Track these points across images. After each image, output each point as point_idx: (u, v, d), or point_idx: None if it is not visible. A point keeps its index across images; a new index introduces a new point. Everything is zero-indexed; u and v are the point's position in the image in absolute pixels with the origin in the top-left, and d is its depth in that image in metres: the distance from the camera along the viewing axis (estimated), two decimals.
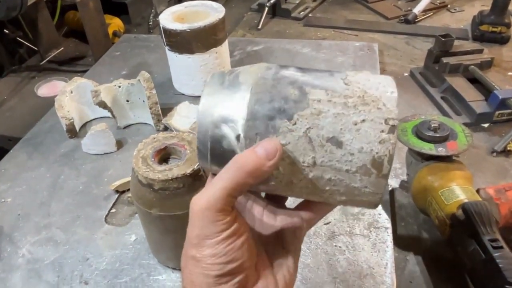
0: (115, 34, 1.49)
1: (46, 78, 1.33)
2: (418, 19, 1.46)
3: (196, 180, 0.59)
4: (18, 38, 1.47)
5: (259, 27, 1.49)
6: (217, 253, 0.31)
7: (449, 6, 1.54)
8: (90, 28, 1.33)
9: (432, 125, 0.76)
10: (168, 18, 1.02)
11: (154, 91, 0.94)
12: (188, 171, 0.58)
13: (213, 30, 1.00)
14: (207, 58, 1.03)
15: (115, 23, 1.50)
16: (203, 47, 1.01)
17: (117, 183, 0.84)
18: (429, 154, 0.74)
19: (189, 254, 0.32)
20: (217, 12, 1.03)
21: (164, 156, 0.63)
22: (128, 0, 1.60)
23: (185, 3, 1.10)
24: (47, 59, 1.41)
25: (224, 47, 1.07)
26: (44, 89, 1.29)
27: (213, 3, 1.07)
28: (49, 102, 1.23)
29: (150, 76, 0.94)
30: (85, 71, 1.34)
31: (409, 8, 1.51)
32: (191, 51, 1.01)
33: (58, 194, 0.85)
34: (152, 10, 1.54)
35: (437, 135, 0.75)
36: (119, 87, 0.96)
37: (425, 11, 1.48)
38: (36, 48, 1.45)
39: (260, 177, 0.32)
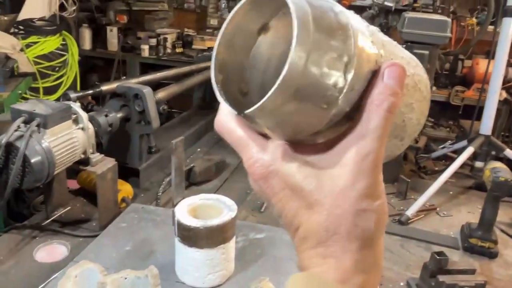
0: (123, 200, 1.54)
1: (47, 240, 1.33)
2: (411, 220, 1.55)
3: None
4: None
5: (262, 210, 1.56)
6: (385, 200, 0.33)
7: (438, 209, 1.66)
8: (103, 196, 1.39)
9: None
10: (183, 211, 1.08)
11: None
12: None
13: (224, 228, 1.06)
14: (214, 253, 1.06)
15: (125, 190, 1.57)
16: (212, 243, 1.05)
17: None
18: None
19: (359, 208, 0.31)
20: (230, 210, 1.10)
21: None
22: (141, 167, 1.71)
23: (200, 195, 1.17)
24: (52, 218, 1.44)
25: (232, 243, 1.11)
26: (43, 253, 1.28)
27: (227, 199, 1.15)
28: (46, 268, 1.21)
29: (158, 273, 0.95)
30: (87, 237, 1.36)
31: (401, 207, 1.62)
32: (200, 246, 1.05)
33: None
34: (163, 182, 1.63)
35: None
36: (125, 278, 0.96)
37: (416, 212, 1.59)
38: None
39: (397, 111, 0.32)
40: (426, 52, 1.63)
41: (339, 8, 0.30)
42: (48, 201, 1.46)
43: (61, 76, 3.25)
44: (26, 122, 1.14)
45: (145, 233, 1.34)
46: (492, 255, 1.37)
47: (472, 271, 1.18)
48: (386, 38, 0.34)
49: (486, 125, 1.71)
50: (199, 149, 2.14)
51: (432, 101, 3.49)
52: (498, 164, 1.36)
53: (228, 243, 1.09)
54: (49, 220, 1.43)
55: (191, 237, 1.05)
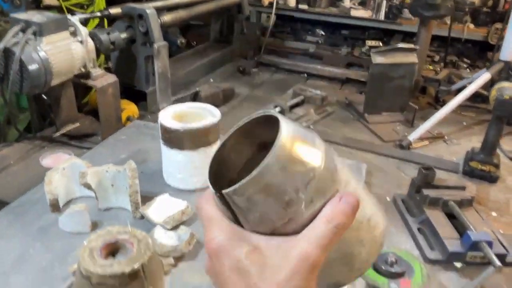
0: (128, 118, 1.60)
1: (54, 150, 1.42)
2: (414, 146, 1.51)
3: (133, 280, 0.61)
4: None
5: None
6: None
7: (446, 137, 1.60)
8: (104, 111, 1.45)
9: (390, 259, 0.76)
10: (168, 115, 1.11)
11: (136, 181, 0.99)
12: (127, 270, 0.60)
13: (206, 132, 1.08)
14: (196, 155, 1.09)
15: (130, 109, 1.62)
16: (193, 146, 1.08)
17: (76, 266, 0.85)
18: None
19: None
20: (213, 116, 1.12)
21: (113, 250, 0.66)
22: (148, 90, 1.75)
23: (188, 103, 1.20)
24: (61, 132, 1.52)
25: (214, 148, 1.13)
26: (49, 160, 1.37)
27: (213, 108, 1.16)
28: None
29: (136, 167, 1.00)
30: (90, 148, 1.43)
31: (405, 134, 1.57)
32: (181, 148, 1.08)
33: (20, 267, 0.87)
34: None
35: (393, 270, 0.75)
36: (107, 171, 1.02)
37: (421, 139, 1.54)
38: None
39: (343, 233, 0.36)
40: None
41: (319, 140, 0.37)
42: (57, 117, 1.54)
43: None
44: (23, 30, 1.19)
45: (141, 145, 1.39)
46: (492, 179, 1.31)
47: (462, 188, 1.15)
48: (357, 181, 0.40)
49: (506, 50, 1.59)
50: (211, 80, 2.15)
51: (469, 41, 3.24)
52: (507, 84, 1.27)
53: (210, 147, 1.11)
54: (58, 134, 1.52)
55: (173, 139, 1.08)
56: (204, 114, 1.14)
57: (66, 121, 1.56)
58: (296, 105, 1.71)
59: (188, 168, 1.11)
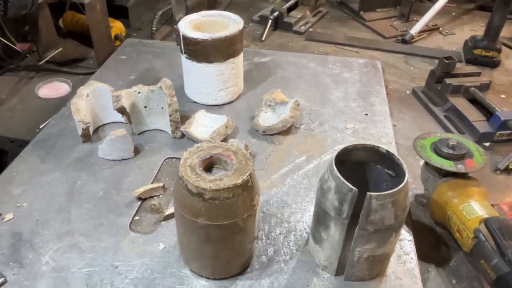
0: (116, 37, 1.46)
1: (46, 79, 1.29)
2: (414, 39, 1.53)
3: (244, 191, 0.60)
4: None
5: (263, 38, 1.51)
6: None
7: (440, 29, 1.63)
8: (95, 30, 1.31)
9: (450, 143, 0.80)
10: (187, 27, 1.03)
11: (175, 99, 0.94)
12: (239, 181, 0.59)
13: (233, 41, 1.02)
14: (224, 68, 1.04)
15: (117, 27, 1.48)
16: (221, 57, 1.02)
17: (140, 190, 0.83)
18: (449, 170, 0.78)
19: None
20: (236, 23, 1.05)
21: (208, 165, 0.64)
22: (129, 3, 1.59)
23: (202, 12, 1.10)
24: (46, 59, 1.38)
25: (240, 58, 1.08)
26: (46, 90, 1.25)
27: (231, 14, 1.09)
28: (52, 104, 1.20)
29: (172, 84, 0.94)
30: (87, 74, 1.32)
31: (404, 28, 1.58)
32: (209, 60, 1.02)
33: (76, 200, 0.83)
34: (156, 16, 1.53)
35: (455, 153, 0.79)
36: (139, 93, 0.95)
37: (419, 32, 1.55)
38: (13, 46, 1.40)
39: None
40: None
41: None
42: (38, 42, 1.38)
43: None
44: None
45: (147, 64, 1.30)
46: (494, 64, 1.38)
47: (477, 74, 1.20)
48: None
49: None
50: None
51: None
52: None
53: (237, 58, 1.06)
54: (43, 61, 1.37)
55: (199, 51, 1.01)
56: (224, 21, 1.07)
57: (48, 47, 1.41)
58: (291, 8, 1.64)
59: (217, 82, 1.06)
